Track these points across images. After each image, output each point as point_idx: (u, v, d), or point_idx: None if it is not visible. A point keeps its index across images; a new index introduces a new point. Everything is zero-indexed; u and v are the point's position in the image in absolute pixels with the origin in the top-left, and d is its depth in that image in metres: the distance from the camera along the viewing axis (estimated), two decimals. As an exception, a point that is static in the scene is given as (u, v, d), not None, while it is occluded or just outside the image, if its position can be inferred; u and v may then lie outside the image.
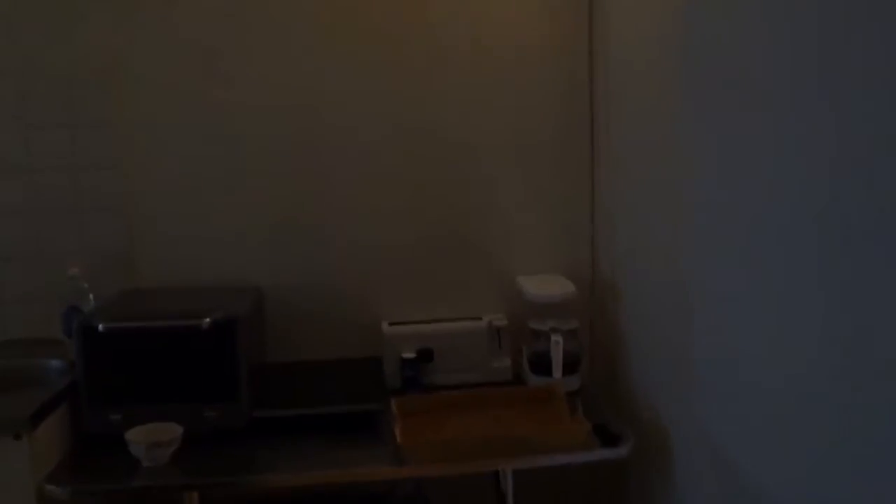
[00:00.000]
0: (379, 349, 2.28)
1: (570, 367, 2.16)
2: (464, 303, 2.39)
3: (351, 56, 2.30)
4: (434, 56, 2.32)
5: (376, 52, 2.30)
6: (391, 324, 2.31)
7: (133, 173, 2.29)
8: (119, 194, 2.29)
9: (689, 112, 1.74)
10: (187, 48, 2.25)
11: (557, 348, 2.13)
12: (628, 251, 2.19)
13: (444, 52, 2.32)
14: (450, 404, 2.03)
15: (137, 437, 1.78)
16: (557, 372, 2.13)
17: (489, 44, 2.32)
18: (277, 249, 2.34)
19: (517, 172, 2.39)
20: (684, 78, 1.75)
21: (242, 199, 2.32)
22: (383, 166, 2.35)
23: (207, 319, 1.90)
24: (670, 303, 1.88)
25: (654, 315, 2.01)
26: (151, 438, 1.78)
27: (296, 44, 2.28)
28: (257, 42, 2.27)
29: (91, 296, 2.19)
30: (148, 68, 2.26)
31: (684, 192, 1.78)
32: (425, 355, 2.23)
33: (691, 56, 1.72)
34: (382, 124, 2.33)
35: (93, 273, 2.21)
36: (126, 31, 2.24)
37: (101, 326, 1.88)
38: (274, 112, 2.30)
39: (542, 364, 2.17)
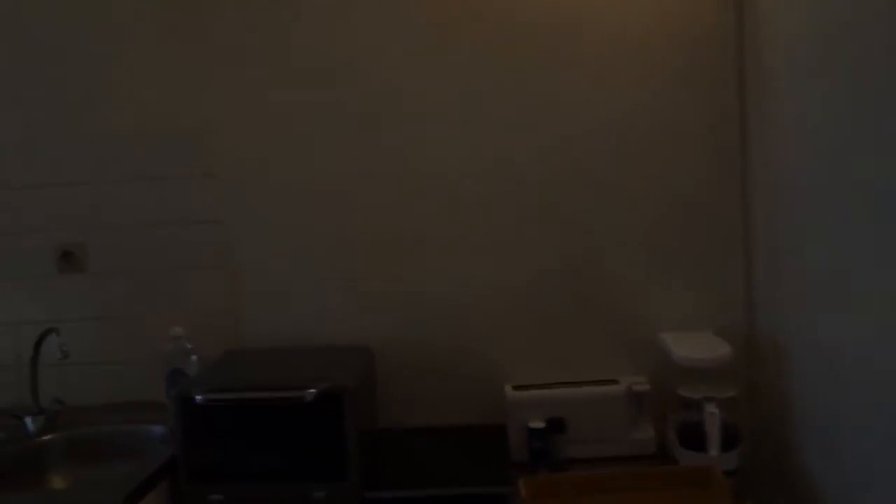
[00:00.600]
0: (501, 415, 2.03)
1: (728, 442, 1.84)
2: (598, 364, 2.11)
3: (470, 106, 2.09)
4: (571, 101, 2.08)
5: (505, 104, 2.09)
6: (515, 387, 2.05)
7: (238, 229, 2.15)
8: (223, 251, 2.16)
9: (866, 138, 1.41)
10: (295, 105, 2.11)
11: (713, 420, 1.81)
12: (795, 303, 1.85)
13: (574, 96, 2.08)
14: (588, 486, 1.74)
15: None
16: (714, 449, 1.81)
17: (627, 86, 2.07)
18: (388, 306, 2.14)
19: (657, 215, 2.09)
20: (855, 95, 1.42)
21: (350, 254, 2.13)
22: (504, 217, 2.11)
23: (312, 391, 1.71)
24: (850, 366, 1.53)
25: (831, 381, 1.66)
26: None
27: (410, 100, 2.11)
28: (369, 101, 2.11)
29: (195, 357, 2.06)
30: (253, 124, 2.13)
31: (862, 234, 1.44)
32: (556, 425, 1.96)
33: (865, 64, 1.39)
34: (504, 175, 2.10)
35: (197, 332, 2.09)
36: (235, 85, 2.12)
37: (198, 398, 1.71)
38: (385, 164, 2.12)
39: (693, 438, 1.86)
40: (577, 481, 1.75)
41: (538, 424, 1.95)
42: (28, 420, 2.05)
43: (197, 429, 1.75)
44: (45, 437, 2.02)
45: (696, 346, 1.95)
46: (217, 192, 2.15)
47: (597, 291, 2.11)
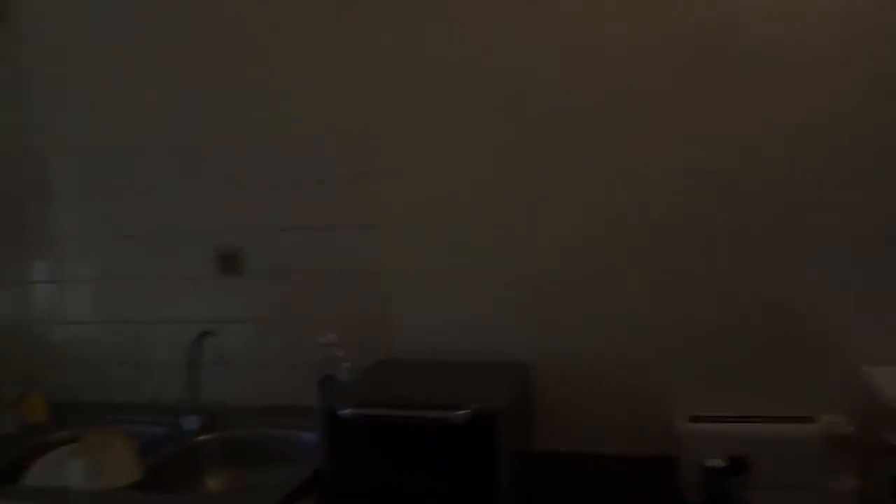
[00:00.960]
0: (672, 448, 1.81)
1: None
2: (789, 397, 1.83)
3: (651, 111, 1.88)
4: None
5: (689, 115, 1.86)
6: (691, 418, 1.82)
7: (393, 234, 2.06)
8: (378, 256, 2.08)
9: None
10: (457, 108, 2.00)
11: (935, 477, 1.51)
12: None
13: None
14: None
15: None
16: (936, 511, 1.51)
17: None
18: (550, 319, 1.97)
19: (866, 230, 1.79)
20: None
21: (510, 263, 1.99)
22: (691, 232, 1.88)
23: (463, 412, 1.57)
24: None
25: None
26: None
27: (582, 105, 1.92)
28: (539, 104, 1.94)
29: (347, 365, 2.00)
30: (411, 125, 2.03)
31: None
32: (737, 465, 1.72)
33: None
34: (696, 188, 1.87)
35: (350, 339, 2.02)
36: (395, 86, 2.03)
37: (343, 412, 1.63)
38: (558, 172, 1.95)
39: (909, 495, 1.56)
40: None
41: (717, 463, 1.71)
42: (188, 419, 2.07)
43: (342, 443, 1.67)
44: (202, 438, 2.03)
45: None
46: (373, 196, 2.07)
47: (790, 315, 1.83)
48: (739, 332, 1.86)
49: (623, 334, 1.93)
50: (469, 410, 1.58)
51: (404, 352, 2.06)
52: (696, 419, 1.82)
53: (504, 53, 1.95)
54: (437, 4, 1.99)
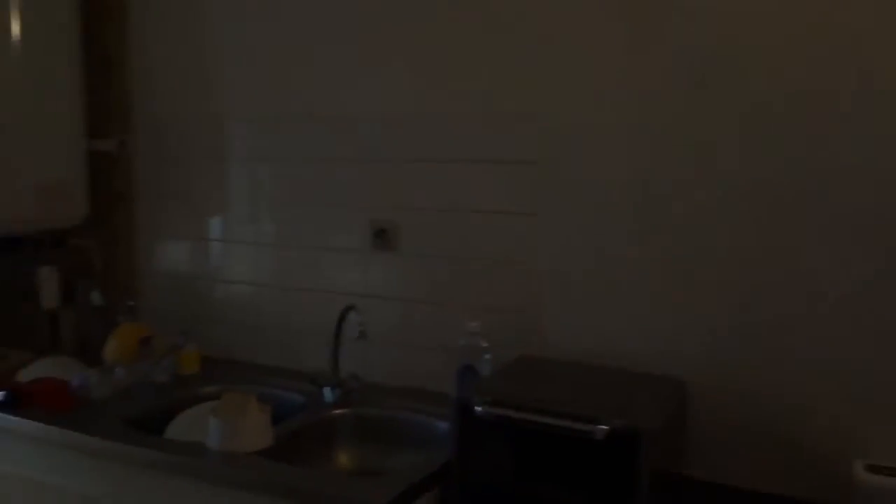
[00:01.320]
0: (844, 498, 1.58)
1: None
2: None
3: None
4: None
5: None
6: (870, 467, 1.59)
7: (550, 224, 1.94)
8: (533, 246, 1.96)
9: None
10: (615, 93, 1.84)
11: None
12: None
13: None
14: None
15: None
16: None
17: None
18: (713, 333, 1.78)
19: None
20: None
21: (673, 264, 1.81)
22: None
23: (604, 427, 1.44)
24: None
25: None
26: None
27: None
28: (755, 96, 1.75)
29: (488, 356, 1.91)
30: (582, 112, 1.89)
31: None
32: (923, 531, 1.47)
33: None
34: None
35: (494, 329, 1.94)
36: (563, 69, 1.90)
37: (479, 408, 1.54)
38: (753, 170, 1.75)
39: None
40: None
41: (896, 523, 1.48)
42: (326, 390, 2.06)
43: (474, 439, 1.58)
44: (338, 411, 2.02)
45: None
46: (533, 182, 1.95)
47: None
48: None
49: (802, 362, 1.70)
50: (612, 426, 1.44)
51: (549, 349, 1.94)
52: (876, 469, 1.58)
53: (689, 37, 1.76)
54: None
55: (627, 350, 1.85)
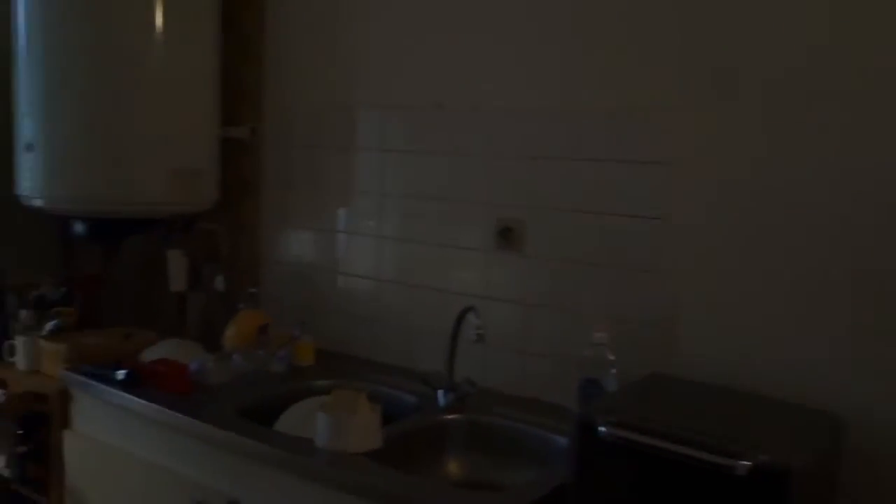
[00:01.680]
0: None
1: None
2: None
3: None
4: None
5: None
6: None
7: (685, 230, 1.78)
8: (666, 253, 1.80)
9: None
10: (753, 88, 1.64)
11: None
12: None
13: None
14: None
15: None
16: None
17: None
18: (877, 370, 1.56)
19: None
20: None
21: (830, 277, 1.60)
22: None
23: (747, 463, 1.27)
24: None
25: None
26: None
27: None
28: None
29: (614, 371, 1.77)
30: (718, 107, 1.71)
31: None
32: None
33: None
34: None
35: (622, 341, 1.80)
36: (694, 61, 1.73)
37: (602, 429, 1.40)
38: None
39: None
40: None
41: None
42: (440, 393, 1.97)
43: (595, 462, 1.45)
44: (450, 416, 1.93)
45: None
46: (665, 182, 1.79)
47: None
48: None
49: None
50: (755, 461, 1.27)
51: (683, 367, 1.77)
52: None
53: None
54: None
55: (774, 375, 1.66)
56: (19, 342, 2.39)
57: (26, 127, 2.31)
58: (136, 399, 1.96)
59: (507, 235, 2.05)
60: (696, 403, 1.60)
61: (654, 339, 1.82)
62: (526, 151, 2.01)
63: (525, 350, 2.02)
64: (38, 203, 2.33)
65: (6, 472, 2.32)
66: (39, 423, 2.27)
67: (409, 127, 2.24)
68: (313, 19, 2.42)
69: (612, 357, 1.78)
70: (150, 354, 2.21)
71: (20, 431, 2.29)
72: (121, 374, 2.03)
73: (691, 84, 1.75)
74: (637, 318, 1.84)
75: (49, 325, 2.42)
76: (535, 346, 2.01)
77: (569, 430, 1.50)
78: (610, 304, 1.88)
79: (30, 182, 2.32)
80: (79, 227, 2.42)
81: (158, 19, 2.31)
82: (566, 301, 1.95)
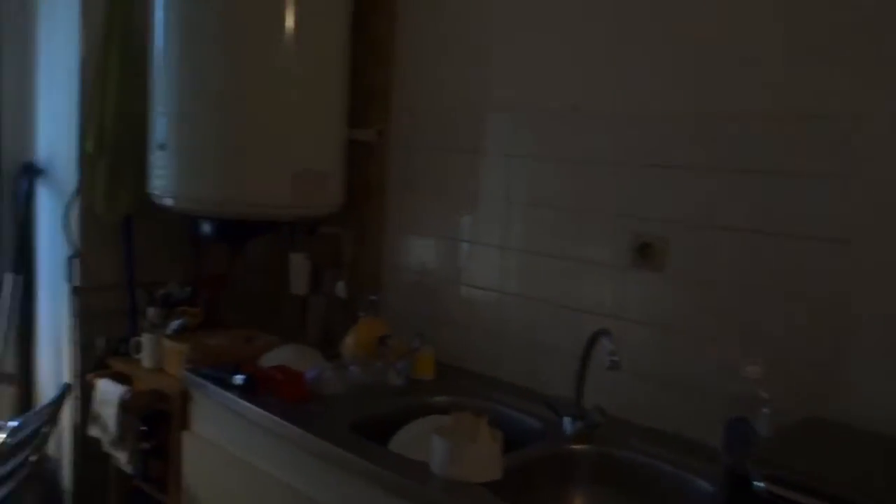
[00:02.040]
0: None
1: None
2: None
3: None
4: None
5: None
6: None
7: (869, 257, 1.54)
8: (841, 281, 1.57)
9: None
10: None
11: None
12: None
13: None
14: None
15: None
16: None
17: None
18: None
19: None
20: None
21: None
22: None
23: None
24: None
25: None
26: None
27: None
28: None
29: (767, 411, 1.56)
30: None
31: None
32: None
33: None
34: None
35: (774, 377, 1.57)
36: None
37: (759, 484, 1.21)
38: None
39: None
40: None
41: None
42: (566, 420, 1.82)
43: (747, 520, 1.26)
44: (578, 447, 1.77)
45: None
46: (847, 200, 1.56)
47: None
48: None
49: None
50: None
51: (851, 414, 1.54)
52: None
53: None
54: None
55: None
56: (145, 339, 2.41)
57: (160, 126, 2.33)
58: (250, 406, 1.92)
59: (645, 252, 1.88)
60: (869, 458, 1.38)
61: (818, 379, 1.60)
62: (670, 160, 1.83)
63: (662, 379, 1.84)
64: (168, 202, 2.35)
65: (128, 468, 2.35)
66: (162, 421, 2.28)
67: (539, 131, 2.10)
68: (443, 21, 2.33)
69: (766, 395, 1.57)
70: (269, 359, 2.17)
71: (144, 428, 2.31)
72: (239, 378, 1.99)
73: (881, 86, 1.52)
74: (798, 353, 1.62)
75: (174, 324, 2.44)
76: (673, 374, 1.82)
77: (712, 472, 1.32)
78: (767, 336, 1.67)
79: (161, 181, 2.34)
80: (206, 227, 2.43)
81: (290, 21, 2.27)
82: (713, 328, 1.76)
